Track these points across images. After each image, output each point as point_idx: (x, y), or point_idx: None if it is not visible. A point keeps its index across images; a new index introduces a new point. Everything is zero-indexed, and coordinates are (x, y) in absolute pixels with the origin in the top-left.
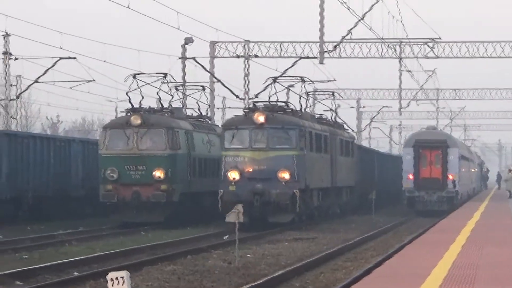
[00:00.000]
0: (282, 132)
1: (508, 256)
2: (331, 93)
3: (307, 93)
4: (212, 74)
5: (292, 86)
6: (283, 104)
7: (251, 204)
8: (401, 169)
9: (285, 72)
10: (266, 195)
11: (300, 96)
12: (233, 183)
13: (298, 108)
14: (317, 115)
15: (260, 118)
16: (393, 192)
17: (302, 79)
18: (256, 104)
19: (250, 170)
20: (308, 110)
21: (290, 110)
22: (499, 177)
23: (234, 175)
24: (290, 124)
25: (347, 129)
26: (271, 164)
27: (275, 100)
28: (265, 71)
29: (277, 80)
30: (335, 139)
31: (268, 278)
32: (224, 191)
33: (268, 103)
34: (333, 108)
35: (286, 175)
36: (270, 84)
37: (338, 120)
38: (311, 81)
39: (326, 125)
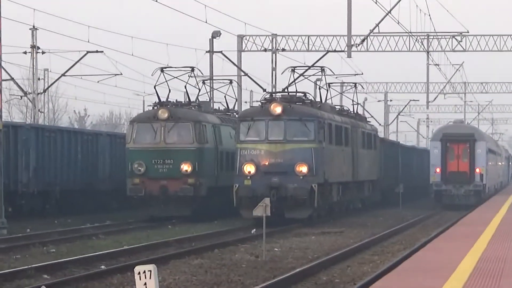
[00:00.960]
0: (299, 124)
1: None
2: (353, 84)
3: (329, 85)
4: (239, 68)
5: (319, 79)
6: (301, 94)
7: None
8: (426, 163)
9: (312, 65)
10: (283, 189)
11: (319, 87)
12: (248, 177)
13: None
14: (338, 107)
15: (277, 109)
16: (418, 185)
17: (322, 69)
18: (273, 94)
19: (266, 163)
20: (329, 101)
21: (308, 101)
22: None
23: (249, 168)
24: (308, 115)
25: (369, 121)
26: (288, 157)
27: (293, 90)
28: (293, 64)
29: (297, 71)
30: (356, 131)
31: (295, 272)
32: (239, 185)
33: (286, 93)
34: (355, 100)
35: (304, 169)
36: (288, 73)
37: (365, 113)
38: (331, 71)
39: (347, 117)
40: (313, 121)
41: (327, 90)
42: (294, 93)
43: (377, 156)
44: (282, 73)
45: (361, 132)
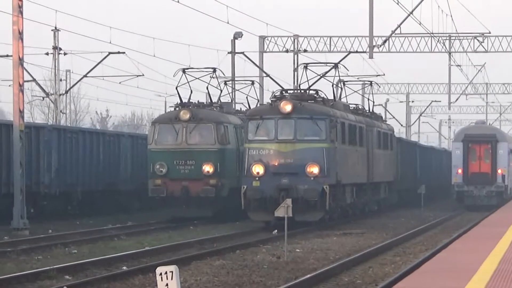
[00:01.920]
0: (310, 122)
1: None
2: (368, 82)
3: (343, 82)
4: (261, 69)
5: (340, 80)
6: (313, 92)
7: (276, 201)
8: (445, 163)
9: (325, 62)
10: (293, 191)
11: (332, 84)
12: (257, 178)
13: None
14: (352, 105)
15: (287, 107)
16: (437, 186)
17: (336, 66)
18: (283, 92)
19: (276, 164)
20: (344, 100)
21: (320, 99)
22: None
23: (258, 169)
24: (320, 114)
25: (385, 121)
26: (298, 157)
27: (305, 88)
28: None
29: (313, 69)
30: (371, 131)
31: (317, 273)
32: (247, 186)
33: (296, 91)
34: (371, 99)
35: (315, 170)
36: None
37: (386, 114)
38: (346, 68)
39: (362, 116)
40: (324, 119)
41: (341, 88)
42: (305, 91)
43: (393, 156)
44: (295, 69)
45: (377, 131)
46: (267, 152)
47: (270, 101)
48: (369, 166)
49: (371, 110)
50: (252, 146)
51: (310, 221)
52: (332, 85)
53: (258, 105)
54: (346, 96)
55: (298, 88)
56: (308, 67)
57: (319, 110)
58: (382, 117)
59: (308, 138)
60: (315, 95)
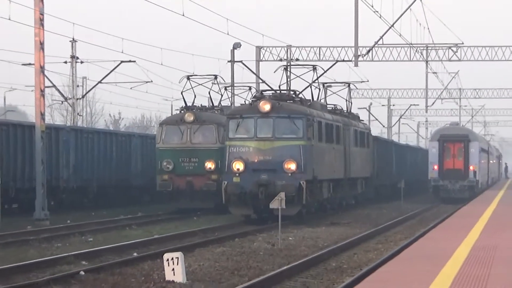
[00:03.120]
0: (288, 121)
1: None
2: (346, 84)
3: (323, 84)
4: (258, 76)
5: (327, 84)
6: (291, 92)
7: (255, 196)
8: (420, 160)
9: (322, 74)
10: (271, 186)
11: (310, 85)
12: (237, 174)
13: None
14: (331, 106)
15: (266, 106)
16: (413, 181)
17: (314, 68)
18: (263, 92)
19: (255, 160)
20: (324, 100)
21: (298, 99)
22: None
23: (238, 166)
24: (297, 113)
25: (362, 120)
26: (276, 154)
27: (285, 89)
28: (308, 76)
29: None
30: (348, 129)
31: (308, 259)
32: (228, 182)
33: (276, 91)
34: (349, 100)
35: (292, 166)
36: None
37: (370, 116)
38: (323, 69)
39: (339, 116)
40: (301, 118)
41: (319, 90)
42: (283, 91)
43: (370, 153)
44: (275, 71)
45: (354, 130)
46: (246, 149)
47: (250, 101)
48: (346, 163)
49: (349, 110)
50: (233, 143)
51: (288, 214)
52: (310, 86)
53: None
54: (325, 97)
55: (278, 89)
56: (287, 69)
57: (296, 109)
58: (359, 117)
59: (285, 136)
60: (293, 95)
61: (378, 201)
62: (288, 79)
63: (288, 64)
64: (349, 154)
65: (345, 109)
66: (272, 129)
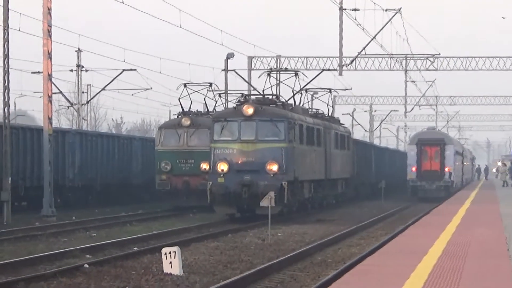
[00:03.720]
0: (270, 124)
1: (494, 235)
2: (328, 90)
3: (306, 90)
4: (250, 84)
5: (315, 93)
6: (274, 97)
7: (239, 196)
8: (399, 161)
9: (309, 82)
10: (254, 187)
11: (293, 90)
12: (221, 175)
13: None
14: (313, 110)
15: (249, 110)
16: (391, 181)
17: (296, 74)
18: (247, 97)
19: (239, 162)
20: (306, 105)
21: (280, 103)
22: (486, 170)
23: (222, 167)
24: (279, 116)
25: (343, 124)
26: (259, 156)
27: (268, 93)
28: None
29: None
30: (329, 132)
31: (295, 253)
32: (213, 182)
33: (260, 96)
34: (330, 104)
35: (274, 167)
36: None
37: (353, 121)
38: (305, 76)
39: (320, 119)
40: (283, 121)
41: (301, 94)
42: (267, 96)
43: (350, 155)
44: (259, 77)
45: (334, 133)
46: (231, 151)
47: (234, 105)
48: (326, 164)
49: (330, 115)
50: (217, 145)
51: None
52: (293, 91)
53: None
54: (308, 102)
55: (262, 93)
56: (270, 75)
57: (278, 113)
58: (340, 120)
59: (268, 139)
60: (275, 100)
61: (358, 200)
62: (278, 85)
63: (272, 70)
64: (330, 156)
65: (327, 113)
66: (255, 131)
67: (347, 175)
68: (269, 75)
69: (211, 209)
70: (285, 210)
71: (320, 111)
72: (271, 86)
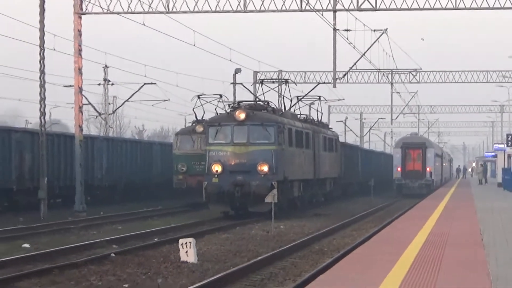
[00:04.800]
0: (261, 128)
1: (470, 227)
2: (317, 97)
3: (297, 97)
4: (255, 96)
5: (312, 103)
6: (264, 103)
7: (232, 195)
8: (383, 163)
9: (306, 94)
10: (246, 186)
11: (283, 97)
12: (216, 176)
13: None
14: (303, 116)
15: (241, 115)
16: (376, 180)
17: (286, 81)
18: (240, 103)
19: (232, 163)
20: (298, 111)
21: (271, 109)
22: (464, 169)
23: (217, 168)
24: (269, 121)
25: (331, 128)
26: (251, 158)
27: (260, 100)
28: (293, 92)
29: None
30: (318, 136)
31: (296, 243)
32: (208, 182)
33: (252, 102)
34: (320, 110)
35: (265, 168)
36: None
37: (346, 128)
38: (294, 83)
39: (309, 124)
40: (273, 125)
41: (291, 100)
42: (258, 102)
43: (338, 157)
44: (252, 84)
45: (323, 137)
46: (224, 153)
47: (228, 111)
48: (315, 165)
49: (319, 120)
50: (212, 148)
51: (261, 211)
52: (283, 97)
53: None
54: (300, 108)
55: (254, 100)
56: (263, 83)
57: (268, 118)
58: (328, 125)
59: (259, 142)
60: (266, 106)
61: (346, 198)
62: (280, 93)
63: (263, 79)
64: (318, 157)
65: (317, 119)
66: (247, 135)
67: (335, 175)
68: (261, 83)
69: (206, 206)
70: (275, 208)
71: (310, 117)
72: (263, 93)
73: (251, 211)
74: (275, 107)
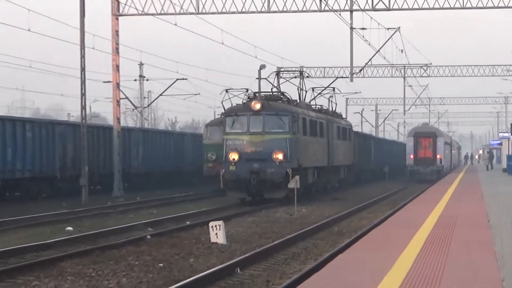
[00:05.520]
0: (276, 118)
1: (477, 210)
2: (332, 88)
3: (312, 89)
4: (279, 90)
5: (331, 96)
6: (279, 94)
7: (248, 182)
8: (395, 150)
9: (326, 88)
10: (262, 173)
11: (298, 87)
12: (233, 163)
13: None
14: (318, 106)
15: (257, 105)
16: (390, 167)
17: (301, 73)
18: (256, 94)
19: (248, 151)
20: (313, 102)
21: (285, 99)
22: (472, 156)
23: (234, 156)
24: (284, 110)
25: (345, 118)
26: (266, 146)
27: (276, 91)
28: (311, 85)
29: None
30: (332, 125)
31: (317, 225)
32: (225, 170)
33: (268, 93)
34: (334, 101)
35: (280, 156)
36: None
37: (362, 119)
38: (309, 75)
39: (323, 114)
40: (287, 115)
41: (306, 91)
42: (273, 93)
43: (351, 145)
44: (268, 76)
45: (337, 126)
46: (241, 142)
47: (244, 101)
48: (329, 153)
49: (333, 110)
50: (229, 137)
51: (276, 197)
52: (298, 88)
53: None
54: (314, 98)
55: (271, 91)
56: (279, 74)
57: (283, 108)
58: (342, 115)
59: (274, 131)
60: (281, 96)
61: (360, 184)
62: (299, 85)
63: (280, 71)
64: (332, 145)
65: (331, 109)
66: (263, 124)
67: (348, 162)
68: (277, 74)
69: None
70: (290, 195)
71: (324, 107)
72: (279, 85)
73: (266, 198)
74: (289, 97)
